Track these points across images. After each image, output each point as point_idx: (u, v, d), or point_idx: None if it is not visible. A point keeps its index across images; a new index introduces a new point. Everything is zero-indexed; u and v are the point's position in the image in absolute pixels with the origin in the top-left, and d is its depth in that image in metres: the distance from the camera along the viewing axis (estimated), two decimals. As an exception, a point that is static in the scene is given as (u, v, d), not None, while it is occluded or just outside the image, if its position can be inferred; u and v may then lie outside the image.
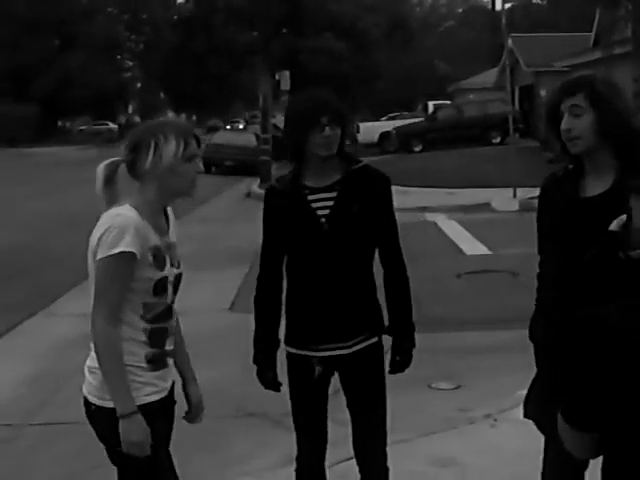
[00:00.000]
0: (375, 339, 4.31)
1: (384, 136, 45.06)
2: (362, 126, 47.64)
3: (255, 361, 4.37)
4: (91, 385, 3.68)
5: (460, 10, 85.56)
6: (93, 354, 3.63)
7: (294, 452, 4.50)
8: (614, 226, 2.87)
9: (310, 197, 4.18)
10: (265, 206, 4.31)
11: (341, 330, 4.24)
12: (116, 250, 3.53)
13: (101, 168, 3.75)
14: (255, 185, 29.93)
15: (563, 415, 2.13)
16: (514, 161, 23.08)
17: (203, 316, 10.80)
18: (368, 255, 4.27)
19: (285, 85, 40.28)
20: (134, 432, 3.51)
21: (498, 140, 40.30)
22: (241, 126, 69.29)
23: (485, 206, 21.87)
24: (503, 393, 7.35)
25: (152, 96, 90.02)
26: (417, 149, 41.65)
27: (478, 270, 13.41)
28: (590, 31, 38.09)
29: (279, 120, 56.21)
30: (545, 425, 3.91)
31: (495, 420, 6.85)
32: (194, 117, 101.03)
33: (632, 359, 1.96)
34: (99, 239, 3.57)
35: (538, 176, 17.75)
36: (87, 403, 3.70)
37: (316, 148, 4.09)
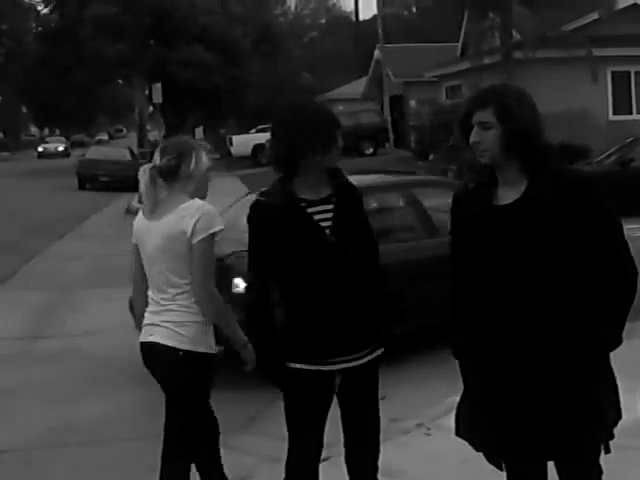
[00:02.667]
0: (382, 350, 4.43)
1: (258, 148, 44.94)
2: (235, 139, 47.42)
3: (269, 373, 4.40)
4: (182, 336, 4.72)
5: (323, 20, 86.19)
6: (180, 312, 4.73)
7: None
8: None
9: (310, 210, 4.20)
10: (255, 221, 4.24)
11: (356, 341, 4.28)
12: (214, 229, 4.68)
13: (144, 171, 4.76)
14: (134, 200, 29.66)
15: None
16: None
17: (112, 335, 10.78)
18: (366, 264, 4.34)
19: (157, 98, 40.03)
20: (250, 352, 4.77)
21: (371, 151, 40.71)
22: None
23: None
24: (433, 401, 7.44)
25: (13, 110, 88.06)
26: (289, 163, 41.62)
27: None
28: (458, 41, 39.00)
29: (153, 135, 55.75)
30: (477, 443, 3.97)
31: (428, 428, 6.93)
32: (57, 131, 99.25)
33: None
34: (195, 225, 4.63)
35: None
36: (172, 350, 4.71)
37: (330, 162, 4.21)
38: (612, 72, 30.15)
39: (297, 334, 4.26)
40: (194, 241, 4.63)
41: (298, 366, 4.26)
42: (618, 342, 3.72)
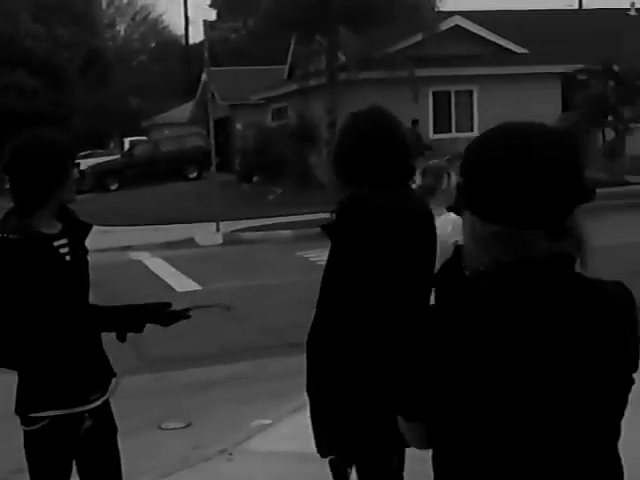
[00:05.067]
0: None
1: (81, 174, 43.91)
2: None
3: None
4: None
5: (153, 44, 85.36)
6: None
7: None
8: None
9: (55, 244, 3.92)
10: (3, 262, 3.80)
11: (101, 376, 4.06)
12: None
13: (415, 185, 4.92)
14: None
15: (393, 406, 2.16)
16: (214, 195, 23.11)
17: None
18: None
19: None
20: None
21: (195, 175, 40.37)
22: None
23: (189, 241, 21.71)
24: (237, 426, 7.27)
25: None
26: (113, 187, 40.77)
27: (192, 306, 13.11)
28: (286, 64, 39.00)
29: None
30: (348, 455, 3.88)
31: (230, 454, 6.70)
32: None
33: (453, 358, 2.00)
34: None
35: (238, 209, 18.03)
36: None
37: (68, 193, 3.92)
38: (433, 92, 30.68)
39: (44, 379, 3.87)
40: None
41: (45, 414, 3.86)
42: None
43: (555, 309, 2.01)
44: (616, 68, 27.37)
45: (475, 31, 31.91)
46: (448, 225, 5.05)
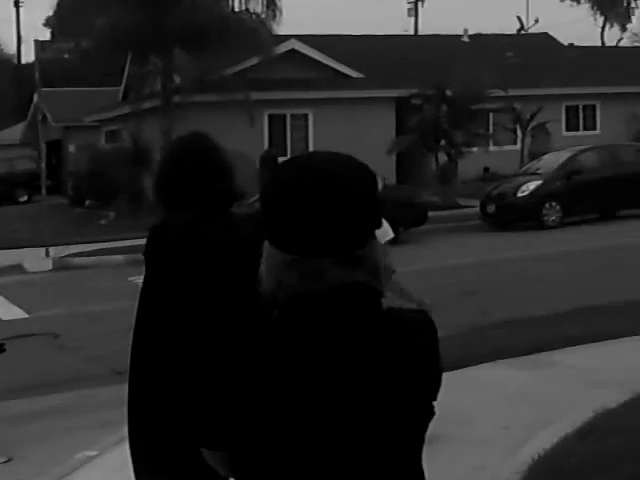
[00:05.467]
0: None
1: None
2: None
3: None
4: None
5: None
6: None
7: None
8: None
9: None
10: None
11: None
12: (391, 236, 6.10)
13: None
14: None
15: (190, 435, 2.14)
16: (44, 219, 22.42)
17: None
18: None
19: None
20: None
21: (25, 198, 39.33)
22: None
23: (17, 267, 20.90)
24: (61, 458, 7.04)
25: None
26: None
27: (16, 335, 12.58)
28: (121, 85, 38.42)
29: None
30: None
31: None
32: None
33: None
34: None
35: (69, 233, 17.52)
36: None
37: None
38: (269, 115, 30.68)
39: None
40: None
41: None
42: None
43: (342, 338, 2.01)
44: (449, 93, 27.93)
45: (311, 55, 32.10)
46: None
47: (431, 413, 2.13)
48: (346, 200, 2.00)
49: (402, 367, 2.05)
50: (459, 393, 8.29)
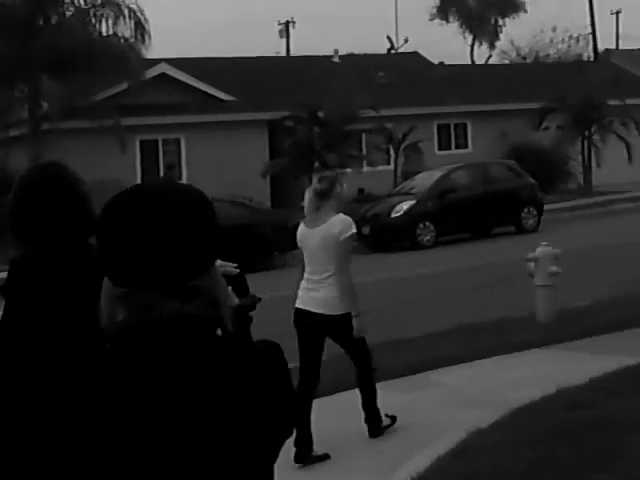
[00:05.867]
0: None
1: None
2: None
3: None
4: (336, 306, 7.29)
5: None
6: (330, 290, 7.30)
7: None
8: None
9: None
10: None
11: None
12: (352, 232, 7.38)
13: (312, 188, 7.40)
14: None
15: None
16: None
17: None
18: None
19: None
20: (363, 323, 7.48)
21: None
22: None
23: None
24: None
25: None
26: None
27: None
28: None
29: None
30: None
31: None
32: None
33: None
34: (341, 230, 7.23)
35: None
36: (328, 317, 7.30)
37: None
38: (140, 140, 30.26)
39: None
40: (341, 239, 7.27)
41: None
42: None
43: (169, 370, 1.96)
44: (321, 114, 27.98)
45: (182, 79, 31.81)
46: (337, 225, 7.30)
47: (283, 436, 2.09)
48: (173, 231, 1.96)
49: (238, 396, 1.99)
50: (334, 417, 8.20)
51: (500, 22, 71.67)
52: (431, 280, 17.27)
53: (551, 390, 8.10)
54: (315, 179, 7.52)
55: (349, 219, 7.38)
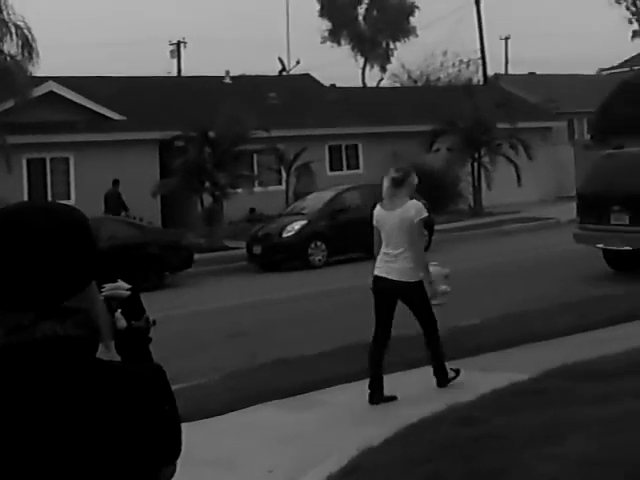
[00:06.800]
0: None
1: None
2: None
3: None
4: (411, 274, 9.01)
5: None
6: (406, 262, 9.01)
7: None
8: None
9: None
10: None
11: None
12: (424, 215, 9.00)
13: (389, 177, 9.10)
14: None
15: None
16: None
17: None
18: None
19: None
20: (434, 289, 9.27)
21: None
22: None
23: None
24: None
25: None
26: None
27: None
28: None
29: None
30: None
31: None
32: None
33: None
34: (415, 213, 8.92)
35: None
36: (405, 283, 9.02)
37: None
38: (27, 159, 29.65)
39: None
40: (415, 221, 8.92)
41: None
42: None
43: (41, 392, 1.92)
44: (212, 134, 27.84)
45: (70, 97, 31.26)
46: (412, 209, 8.95)
47: (165, 459, 2.08)
48: (44, 251, 1.94)
49: (110, 420, 1.95)
50: (224, 437, 8.08)
51: (392, 45, 72.64)
52: (322, 299, 17.27)
53: (441, 407, 8.11)
54: (392, 169, 9.14)
55: (420, 204, 9.03)
